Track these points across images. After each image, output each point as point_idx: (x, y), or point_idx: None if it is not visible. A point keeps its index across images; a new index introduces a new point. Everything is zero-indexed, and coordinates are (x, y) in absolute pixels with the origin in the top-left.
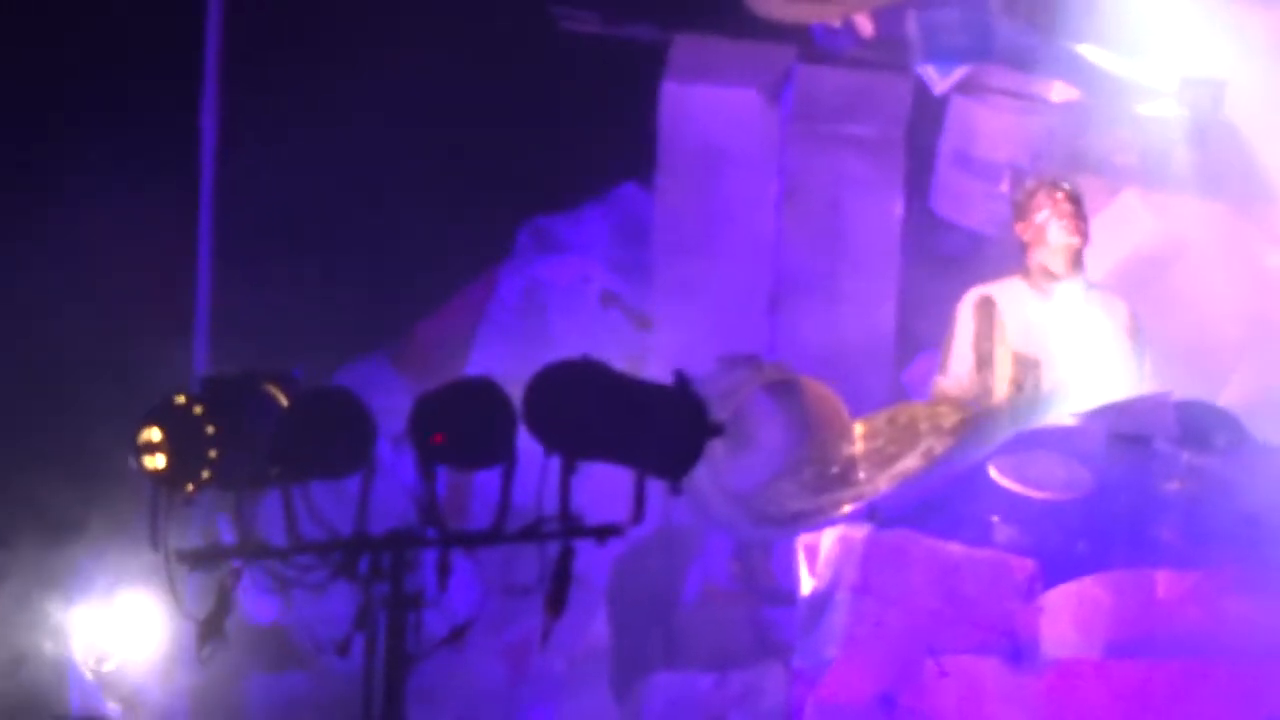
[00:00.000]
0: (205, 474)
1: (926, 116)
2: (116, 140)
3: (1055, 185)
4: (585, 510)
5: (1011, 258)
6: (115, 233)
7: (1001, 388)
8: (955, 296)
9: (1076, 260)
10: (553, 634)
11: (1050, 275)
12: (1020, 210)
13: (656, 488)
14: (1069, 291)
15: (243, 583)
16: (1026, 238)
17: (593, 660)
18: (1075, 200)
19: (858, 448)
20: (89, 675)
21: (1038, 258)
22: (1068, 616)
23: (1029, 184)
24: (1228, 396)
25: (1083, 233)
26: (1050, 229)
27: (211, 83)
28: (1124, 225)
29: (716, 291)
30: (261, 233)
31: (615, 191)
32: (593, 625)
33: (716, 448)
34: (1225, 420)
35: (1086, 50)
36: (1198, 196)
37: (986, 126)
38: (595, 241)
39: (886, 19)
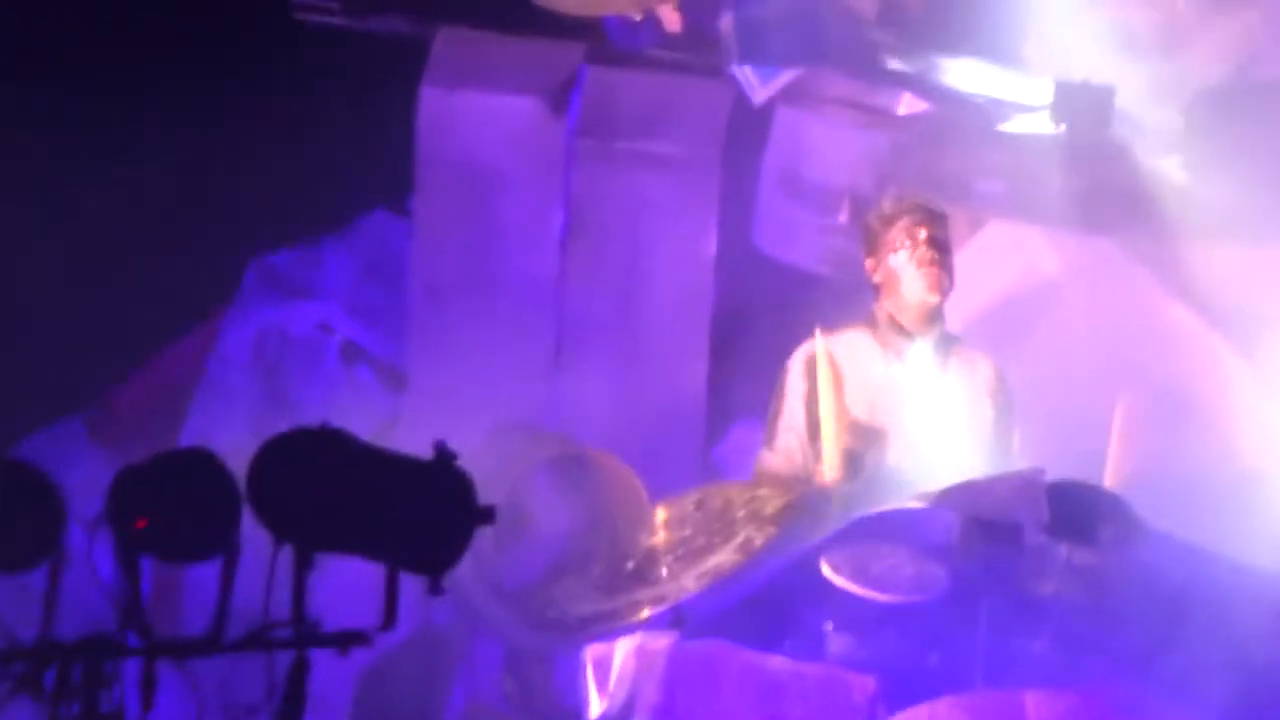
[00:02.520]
0: None
1: (747, 131)
2: None
3: (919, 219)
4: (324, 613)
5: (851, 304)
6: None
7: (838, 464)
8: (782, 352)
9: (935, 313)
10: None
11: (901, 329)
12: (872, 243)
13: (412, 586)
14: (923, 348)
15: None
16: (876, 279)
17: None
18: (941, 245)
19: (659, 538)
20: None
21: (888, 306)
22: None
23: (886, 208)
24: (1114, 476)
25: (946, 287)
26: (906, 277)
27: None
28: (988, 265)
29: (487, 345)
30: None
31: (363, 221)
32: None
33: (486, 537)
34: (1111, 506)
35: (944, 54)
36: (1079, 231)
37: (820, 144)
38: (338, 283)
39: (697, 11)
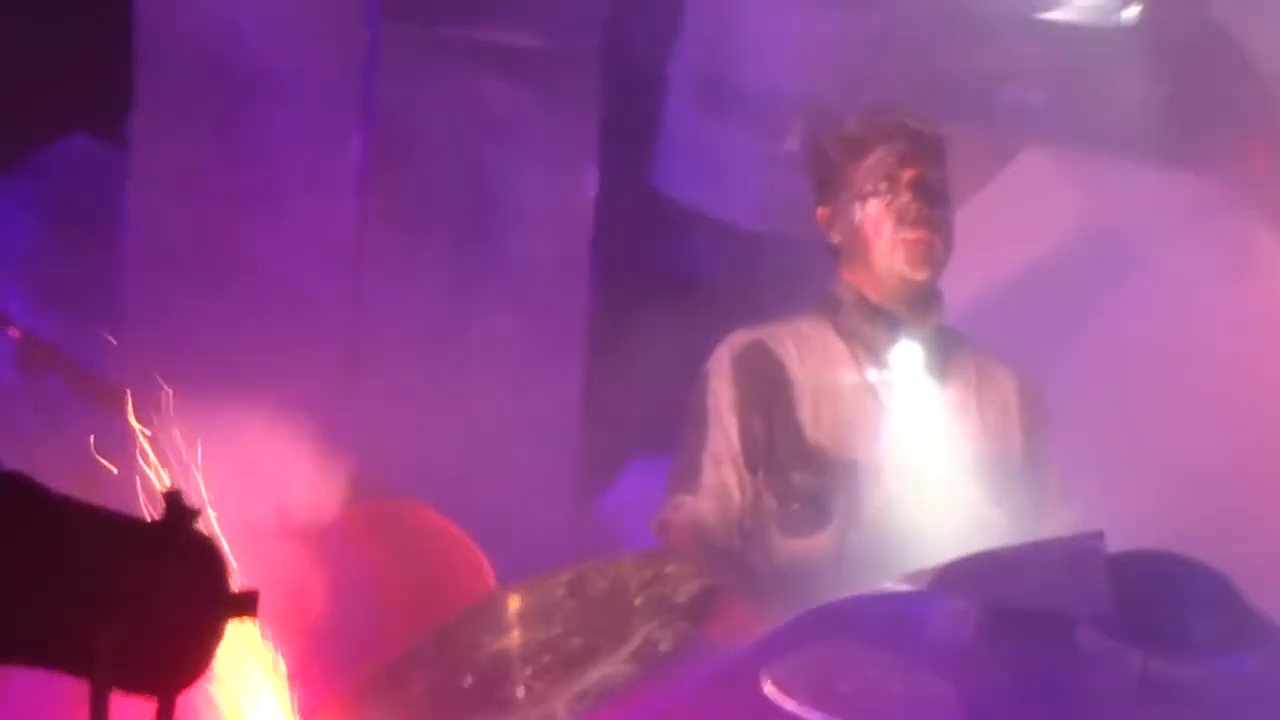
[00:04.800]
0: None
1: (644, 12)
2: None
3: (901, 148)
4: None
5: (803, 277)
6: None
7: (789, 516)
8: (700, 349)
9: (925, 293)
10: None
11: (876, 314)
12: (828, 182)
13: (134, 710)
14: (911, 348)
15: None
16: (834, 238)
17: None
18: (933, 191)
19: (513, 640)
20: None
21: (856, 280)
22: None
23: (851, 128)
24: (1216, 536)
25: (939, 256)
26: (879, 240)
27: None
28: (1017, 216)
29: (245, 338)
30: None
31: (52, 152)
32: None
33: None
34: (1209, 589)
35: None
36: (1162, 165)
37: (759, 30)
38: (14, 248)
39: None
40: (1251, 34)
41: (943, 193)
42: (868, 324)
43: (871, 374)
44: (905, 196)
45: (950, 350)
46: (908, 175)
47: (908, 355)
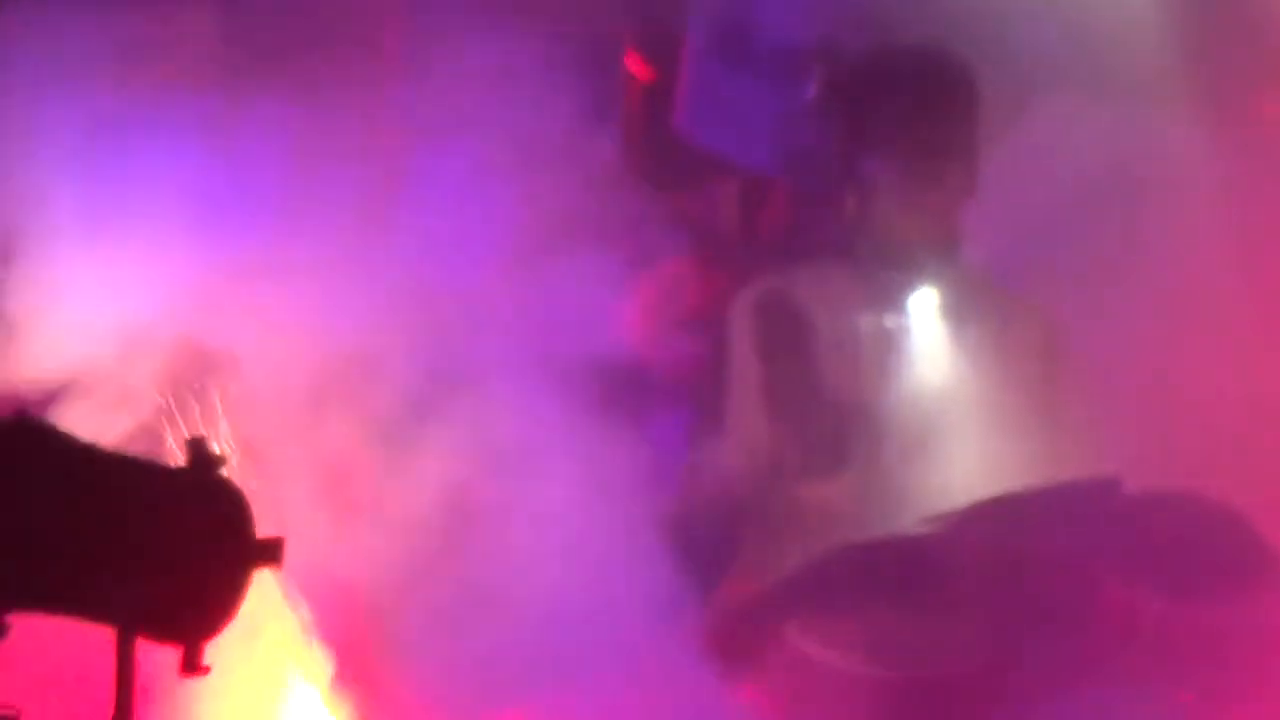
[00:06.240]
0: None
1: None
2: None
3: (918, 98)
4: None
5: (824, 222)
6: None
7: (810, 462)
8: (722, 298)
9: (945, 237)
10: None
11: (894, 259)
12: (843, 126)
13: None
14: (930, 293)
15: None
16: (854, 183)
17: None
18: (954, 146)
19: None
20: None
21: (875, 227)
22: None
23: (868, 68)
24: (1234, 474)
25: (955, 207)
26: (892, 195)
27: None
28: (1040, 164)
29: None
30: None
31: None
32: None
33: None
34: (1226, 529)
35: None
36: (1186, 115)
37: None
38: None
39: None
40: None
41: (962, 141)
42: (887, 270)
43: (891, 320)
44: (918, 152)
45: (970, 294)
46: (926, 127)
47: (927, 301)
